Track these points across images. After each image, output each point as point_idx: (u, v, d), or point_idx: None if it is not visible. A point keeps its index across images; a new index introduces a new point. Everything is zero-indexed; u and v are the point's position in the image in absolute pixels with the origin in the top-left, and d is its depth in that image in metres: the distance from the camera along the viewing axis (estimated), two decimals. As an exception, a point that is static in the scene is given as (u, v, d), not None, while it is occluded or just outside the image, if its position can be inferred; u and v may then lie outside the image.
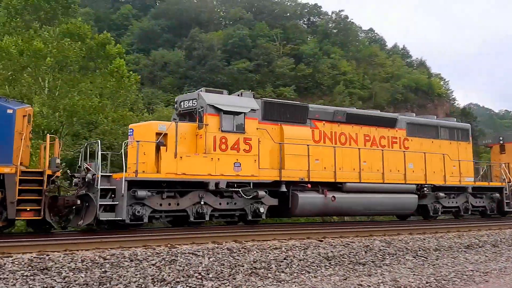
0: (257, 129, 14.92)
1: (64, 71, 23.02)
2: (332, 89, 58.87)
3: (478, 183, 20.26)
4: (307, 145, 15.68)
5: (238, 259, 9.60)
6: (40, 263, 8.08)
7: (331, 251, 11.00)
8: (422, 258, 11.96)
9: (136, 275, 8.27)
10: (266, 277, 9.21)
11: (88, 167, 12.61)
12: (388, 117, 18.89)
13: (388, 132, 18.23)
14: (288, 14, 79.20)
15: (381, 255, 11.55)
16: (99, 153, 12.51)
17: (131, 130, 14.16)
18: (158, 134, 13.53)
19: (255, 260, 9.73)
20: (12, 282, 7.51)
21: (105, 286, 7.84)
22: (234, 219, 14.92)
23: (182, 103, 15.09)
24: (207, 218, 13.79)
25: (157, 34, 65.86)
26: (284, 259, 10.09)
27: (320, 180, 15.80)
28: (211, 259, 9.34)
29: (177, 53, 60.44)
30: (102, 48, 24.78)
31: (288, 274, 9.52)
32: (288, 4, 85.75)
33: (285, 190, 15.07)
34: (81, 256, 8.55)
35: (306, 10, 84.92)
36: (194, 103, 14.54)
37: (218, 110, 14.18)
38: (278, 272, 9.51)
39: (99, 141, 13.48)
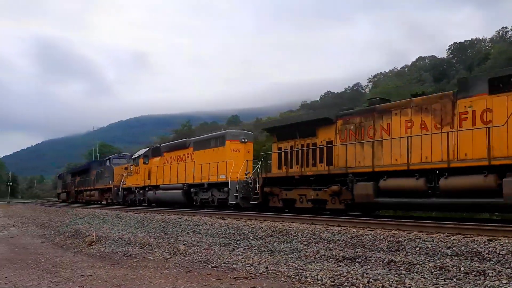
0: (143, 163, 31.42)
1: None
2: None
3: (220, 179, 23.39)
4: (157, 166, 29.79)
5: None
6: None
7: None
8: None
9: None
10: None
11: None
12: (181, 143, 29.35)
13: (186, 151, 27.68)
14: None
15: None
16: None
17: None
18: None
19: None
20: None
21: None
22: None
23: None
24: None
25: None
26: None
27: (155, 184, 29.30)
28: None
29: None
30: None
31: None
32: None
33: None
34: None
35: None
36: None
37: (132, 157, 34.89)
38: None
39: None
